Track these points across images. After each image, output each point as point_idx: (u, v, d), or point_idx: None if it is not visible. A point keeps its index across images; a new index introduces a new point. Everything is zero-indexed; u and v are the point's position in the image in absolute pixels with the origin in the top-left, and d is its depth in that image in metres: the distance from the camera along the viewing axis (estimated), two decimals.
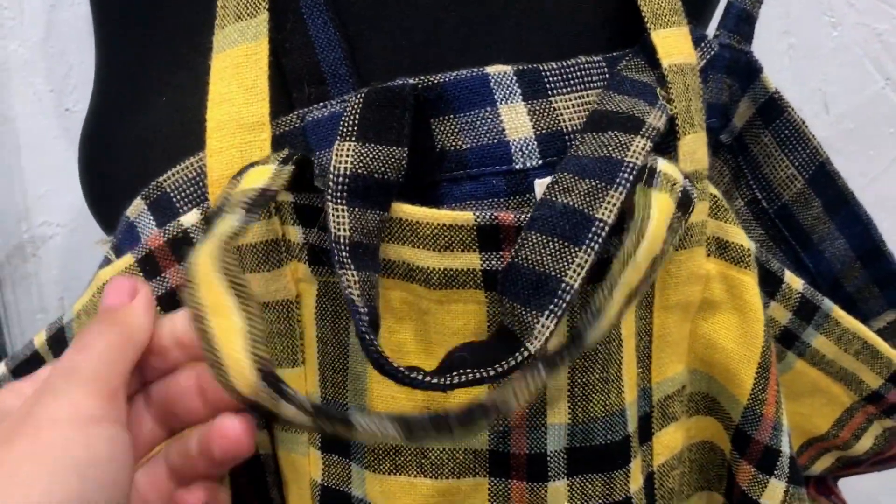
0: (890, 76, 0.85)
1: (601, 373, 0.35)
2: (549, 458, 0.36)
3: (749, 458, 0.40)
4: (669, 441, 0.40)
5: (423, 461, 0.36)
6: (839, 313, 0.43)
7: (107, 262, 0.37)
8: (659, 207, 0.31)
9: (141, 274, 0.35)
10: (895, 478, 0.87)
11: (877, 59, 0.84)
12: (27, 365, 0.41)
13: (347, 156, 0.32)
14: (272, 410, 0.28)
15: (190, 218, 0.35)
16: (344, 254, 0.31)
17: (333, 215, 0.31)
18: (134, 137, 0.39)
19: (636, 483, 0.38)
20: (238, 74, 0.35)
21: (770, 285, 0.42)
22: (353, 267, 0.31)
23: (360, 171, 0.31)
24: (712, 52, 0.38)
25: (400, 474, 0.36)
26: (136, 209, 0.37)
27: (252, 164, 0.33)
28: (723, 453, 0.43)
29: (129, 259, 0.36)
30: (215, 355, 0.28)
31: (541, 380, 0.30)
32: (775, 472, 0.39)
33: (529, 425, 0.35)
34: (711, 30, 0.43)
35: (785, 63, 0.83)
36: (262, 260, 0.36)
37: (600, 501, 0.37)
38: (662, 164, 0.32)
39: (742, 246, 0.38)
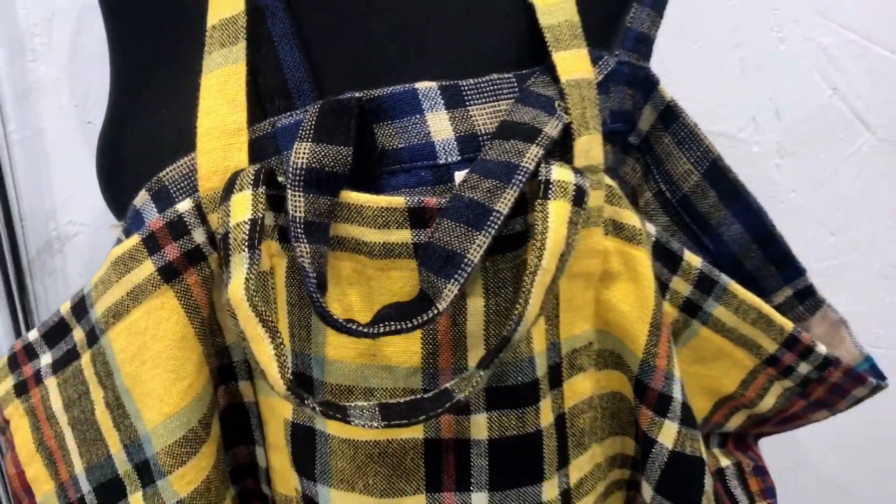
0: (837, 86, 0.90)
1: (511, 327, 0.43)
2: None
3: (647, 404, 0.47)
4: (578, 388, 0.48)
5: (369, 398, 0.44)
6: (735, 287, 0.51)
7: (118, 241, 0.45)
8: (556, 214, 0.39)
9: (145, 250, 0.44)
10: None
11: (823, 70, 0.89)
12: (55, 330, 0.49)
13: (304, 153, 0.40)
14: (297, 404, 0.37)
15: (184, 205, 0.44)
16: (299, 231, 0.39)
17: (291, 200, 0.39)
18: (140, 142, 0.47)
19: (546, 419, 0.45)
20: (222, 91, 0.43)
21: (672, 262, 0.49)
22: (305, 241, 0.39)
23: (313, 165, 0.40)
24: (609, 69, 0.46)
25: None
26: (142, 199, 0.45)
27: (235, 177, 0.41)
28: (630, 402, 0.50)
29: (135, 238, 0.44)
30: (262, 371, 0.38)
31: (486, 376, 0.38)
32: (668, 414, 0.46)
33: (454, 368, 0.43)
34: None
35: (737, 74, 0.88)
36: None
37: (514, 432, 0.44)
38: (555, 173, 0.40)
39: (634, 226, 0.45)
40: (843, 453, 1.10)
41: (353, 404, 0.38)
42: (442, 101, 0.42)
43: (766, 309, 0.51)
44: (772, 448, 0.87)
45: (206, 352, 0.45)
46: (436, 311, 0.38)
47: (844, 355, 0.59)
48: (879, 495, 1.14)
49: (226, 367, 0.48)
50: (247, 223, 0.39)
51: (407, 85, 0.42)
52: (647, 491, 0.48)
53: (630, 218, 0.45)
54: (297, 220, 0.39)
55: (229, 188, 0.41)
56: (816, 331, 0.59)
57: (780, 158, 0.94)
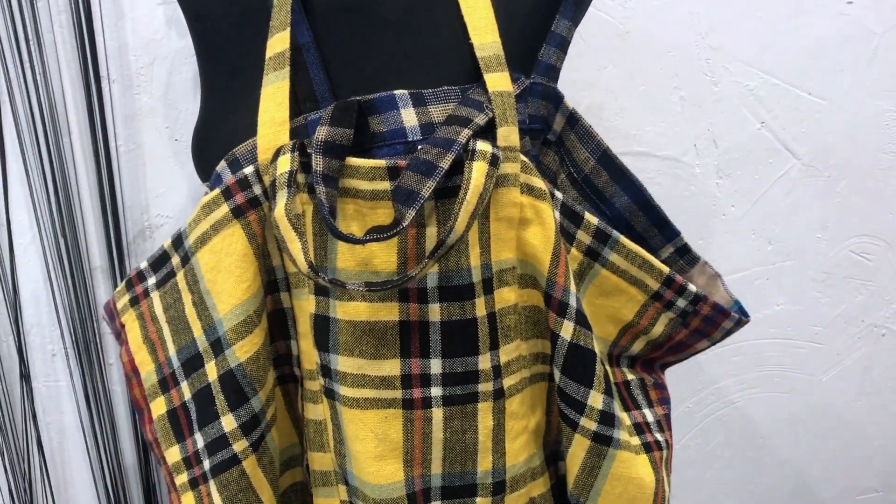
0: (764, 120, 1.10)
1: (455, 250, 0.65)
2: (428, 291, 0.66)
3: (552, 308, 0.67)
4: (505, 296, 0.68)
5: (366, 294, 0.66)
6: (625, 240, 0.72)
7: (205, 194, 0.70)
8: (477, 169, 0.62)
9: (223, 198, 0.68)
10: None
11: (752, 107, 1.09)
12: (159, 260, 0.73)
13: (323, 131, 0.64)
14: (318, 282, 0.59)
15: (248, 170, 0.67)
16: (318, 179, 0.63)
17: (314, 160, 0.63)
18: (222, 133, 0.72)
19: (480, 312, 0.67)
20: (273, 97, 0.68)
21: (576, 220, 0.71)
22: (322, 185, 0.63)
23: (328, 139, 0.63)
24: (524, 85, 0.69)
25: (352, 301, 0.66)
26: (221, 166, 0.69)
27: (280, 149, 0.65)
28: (545, 312, 0.71)
29: (217, 192, 0.68)
30: (293, 258, 0.60)
31: (431, 264, 0.60)
32: (566, 316, 0.66)
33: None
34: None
35: (678, 110, 1.08)
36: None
37: (458, 317, 0.66)
38: (479, 145, 0.63)
39: (541, 188, 0.68)
40: (799, 434, 1.27)
41: (348, 281, 0.61)
42: (411, 102, 0.66)
43: (648, 257, 0.72)
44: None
45: (260, 267, 0.69)
46: (402, 226, 0.61)
47: (720, 300, 0.79)
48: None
49: (272, 282, 0.71)
50: (286, 173, 0.63)
51: (389, 92, 0.66)
52: (556, 374, 0.69)
53: (538, 183, 0.68)
54: (318, 172, 0.63)
55: (277, 155, 0.65)
56: (697, 281, 0.80)
57: (720, 178, 1.14)
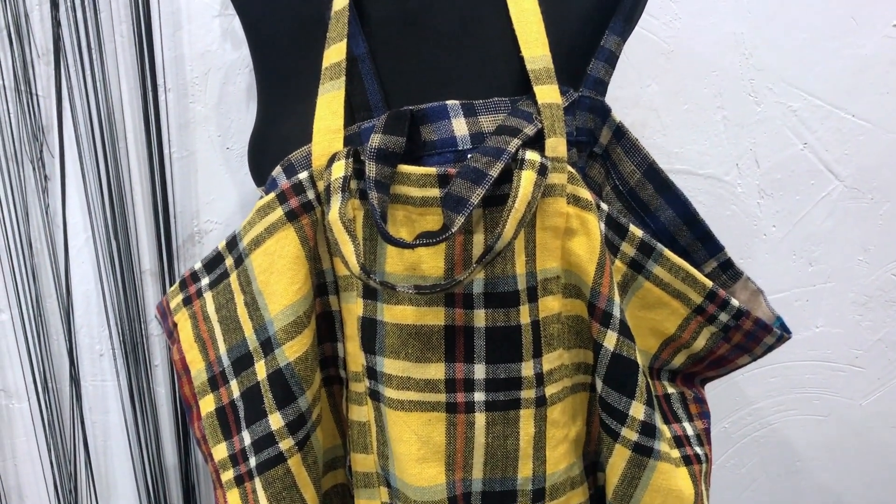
0: (807, 141, 1.10)
1: (501, 257, 0.67)
2: (473, 297, 0.68)
3: (595, 318, 0.68)
4: (549, 305, 0.70)
5: (413, 298, 0.68)
6: (668, 253, 0.72)
7: (260, 197, 0.72)
8: (526, 178, 0.63)
9: (277, 202, 0.70)
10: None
11: (794, 128, 1.09)
12: (213, 261, 0.75)
13: (376, 139, 0.65)
14: (368, 284, 0.61)
15: (303, 175, 0.69)
16: (371, 185, 0.65)
17: (367, 166, 0.65)
18: (277, 138, 0.74)
19: (525, 319, 0.68)
20: (329, 106, 0.70)
21: (621, 232, 0.72)
22: (375, 191, 0.64)
23: (381, 146, 0.65)
24: (572, 98, 0.71)
25: (399, 304, 0.68)
26: (277, 171, 0.71)
27: (335, 155, 0.67)
28: (588, 323, 0.72)
29: (272, 196, 0.70)
30: (345, 260, 0.61)
31: (479, 269, 0.61)
32: (610, 326, 0.67)
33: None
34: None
35: (721, 129, 1.09)
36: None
37: (502, 324, 0.68)
38: (527, 154, 0.64)
39: (587, 199, 0.69)
40: (837, 458, 1.26)
41: (397, 284, 0.62)
42: (462, 112, 0.68)
43: (692, 270, 0.73)
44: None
45: (311, 270, 0.71)
46: (451, 232, 0.62)
47: (762, 316, 0.79)
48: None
49: (321, 285, 0.73)
50: (341, 178, 0.65)
51: (441, 102, 0.68)
52: (598, 384, 0.70)
53: (585, 193, 0.69)
54: (370, 178, 0.64)
55: (331, 161, 0.67)
56: (740, 296, 0.80)
57: (761, 198, 1.14)
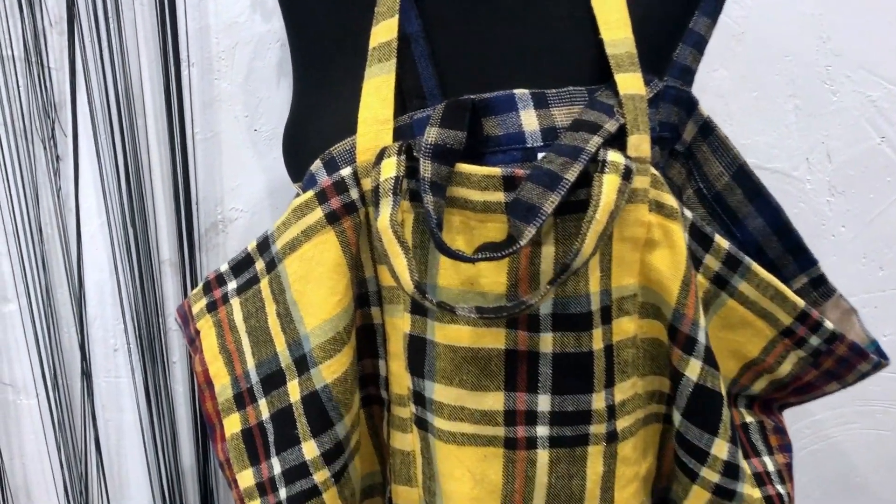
0: (885, 134, 1.01)
1: (575, 272, 0.58)
2: (540, 318, 0.59)
3: (677, 344, 0.60)
4: (624, 327, 0.62)
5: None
6: (757, 267, 0.64)
7: (297, 195, 0.63)
8: (608, 184, 0.55)
9: (317, 202, 0.61)
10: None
11: (872, 119, 1.00)
12: (242, 263, 0.67)
13: (433, 133, 0.57)
14: (418, 301, 0.53)
15: (345, 171, 0.61)
16: (426, 186, 0.56)
17: (422, 165, 0.56)
18: (316, 128, 0.65)
19: (597, 344, 0.60)
20: (377, 92, 0.61)
21: (705, 243, 0.63)
22: (430, 194, 0.56)
23: (438, 142, 0.57)
24: (658, 89, 0.62)
25: (454, 324, 0.60)
26: (316, 166, 0.63)
27: (384, 150, 0.59)
28: (666, 347, 0.64)
29: (310, 194, 0.61)
30: (396, 276, 0.54)
31: (552, 290, 0.53)
32: (694, 353, 0.59)
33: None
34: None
35: (792, 119, 1.00)
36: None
37: (572, 350, 0.59)
38: (610, 155, 0.56)
39: (672, 206, 0.60)
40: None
41: (457, 305, 0.54)
42: (532, 103, 0.59)
43: (782, 287, 0.64)
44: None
45: (352, 279, 0.62)
46: (518, 245, 0.54)
47: (856, 339, 0.71)
48: None
49: (363, 295, 0.65)
50: (392, 178, 0.56)
51: (508, 91, 0.59)
52: (676, 417, 0.62)
53: (669, 200, 0.60)
54: (426, 179, 0.56)
55: (380, 157, 0.58)
56: (830, 316, 0.72)
57: (831, 196, 1.05)
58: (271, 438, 0.64)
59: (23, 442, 1.04)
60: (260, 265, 0.65)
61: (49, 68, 0.92)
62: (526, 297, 0.54)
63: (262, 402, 0.65)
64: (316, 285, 0.61)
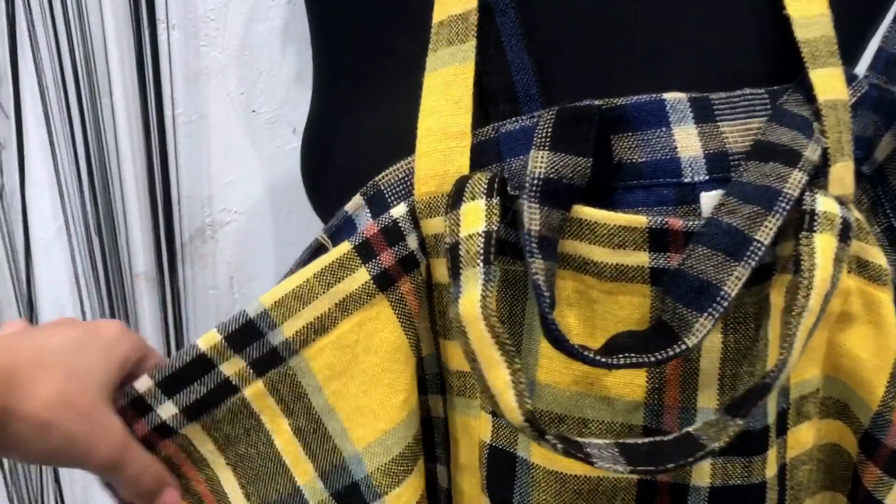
0: None
1: (748, 367, 0.40)
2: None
3: (876, 461, 0.43)
4: (802, 437, 0.44)
5: (583, 430, 0.41)
6: None
7: (320, 247, 0.43)
8: (822, 250, 0.36)
9: (358, 258, 0.41)
10: None
11: None
12: (186, 372, 0.42)
13: (542, 162, 0.37)
14: (534, 438, 0.35)
15: (398, 210, 0.42)
16: (533, 245, 0.37)
17: (528, 212, 0.37)
18: (351, 144, 0.45)
19: (771, 470, 0.42)
20: (447, 91, 0.41)
21: None
22: (540, 257, 0.37)
23: (551, 175, 0.37)
24: (862, 91, 0.42)
25: None
26: (355, 204, 0.43)
27: (464, 183, 0.39)
28: (849, 455, 0.46)
29: (347, 246, 0.41)
30: (492, 398, 0.36)
31: (742, 426, 0.35)
32: None
33: (681, 407, 0.40)
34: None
35: None
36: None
37: (738, 482, 0.41)
38: (820, 204, 0.37)
39: (881, 266, 0.42)
40: None
41: (589, 441, 0.35)
42: (691, 115, 0.39)
43: None
44: None
45: (416, 366, 0.43)
46: (684, 347, 0.35)
47: None
48: None
49: (420, 379, 0.46)
50: (481, 235, 0.37)
51: (653, 95, 0.39)
52: None
53: (876, 256, 0.42)
54: (533, 233, 0.36)
55: (459, 193, 0.39)
56: None
57: None
58: None
59: None
60: (233, 366, 0.44)
61: None
62: (693, 430, 0.36)
63: None
64: (365, 383, 0.42)
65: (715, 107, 0.40)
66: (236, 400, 0.43)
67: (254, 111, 0.78)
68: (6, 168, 0.75)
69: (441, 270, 0.42)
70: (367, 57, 0.46)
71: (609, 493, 0.41)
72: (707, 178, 0.39)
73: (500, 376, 0.35)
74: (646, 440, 0.36)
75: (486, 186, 0.38)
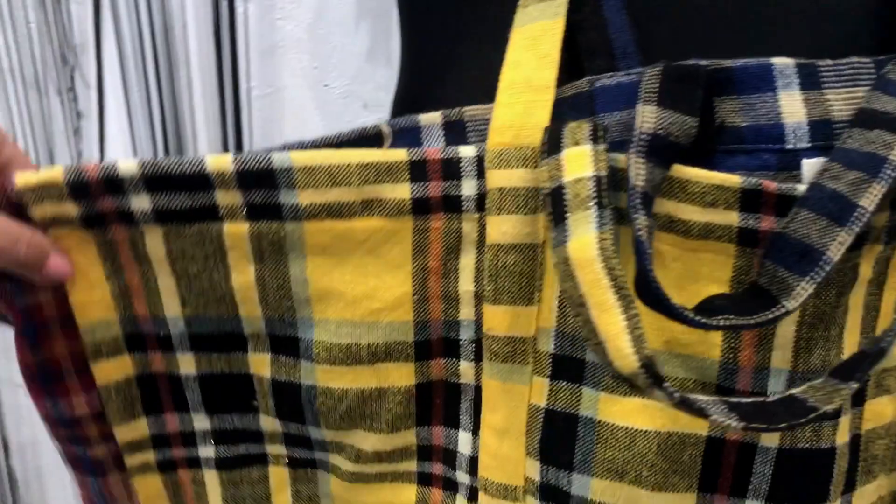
0: None
1: (824, 331, 0.40)
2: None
3: None
4: (880, 410, 0.44)
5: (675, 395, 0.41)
6: None
7: (377, 135, 0.45)
8: None
9: (408, 173, 0.42)
10: None
11: None
12: (181, 180, 0.42)
13: (650, 117, 0.37)
14: (647, 386, 0.35)
15: (467, 151, 0.42)
16: (637, 200, 0.37)
17: (634, 167, 0.37)
18: (441, 99, 0.46)
19: (842, 438, 0.42)
20: (534, 45, 0.42)
21: None
22: (644, 213, 0.37)
23: (659, 131, 0.37)
24: None
25: (635, 396, 0.42)
26: (431, 119, 0.44)
27: (559, 132, 0.39)
28: None
29: (403, 155, 0.42)
30: (600, 344, 0.36)
31: (855, 388, 0.35)
32: None
33: (756, 367, 0.40)
34: None
35: None
36: (522, 204, 0.41)
37: (807, 445, 0.41)
38: None
39: None
40: None
41: (698, 397, 0.35)
42: (797, 81, 0.39)
43: None
44: None
45: (417, 302, 0.45)
46: (784, 310, 0.35)
47: None
48: None
49: (451, 342, 0.46)
50: (590, 179, 0.37)
51: (762, 59, 0.39)
52: None
53: None
54: (638, 188, 0.37)
55: (555, 140, 0.39)
56: None
57: None
58: (196, 396, 0.49)
59: None
60: (230, 199, 0.43)
61: (68, 2, 0.80)
62: (798, 392, 0.36)
63: (186, 357, 0.47)
64: (352, 275, 0.44)
65: (821, 74, 0.39)
66: (212, 228, 0.43)
67: (326, 85, 0.81)
68: (85, 136, 0.80)
69: (501, 228, 0.42)
70: (456, 29, 0.47)
71: (677, 449, 0.42)
72: (809, 145, 0.39)
73: (614, 321, 0.35)
74: (748, 400, 0.36)
75: (590, 133, 0.38)
